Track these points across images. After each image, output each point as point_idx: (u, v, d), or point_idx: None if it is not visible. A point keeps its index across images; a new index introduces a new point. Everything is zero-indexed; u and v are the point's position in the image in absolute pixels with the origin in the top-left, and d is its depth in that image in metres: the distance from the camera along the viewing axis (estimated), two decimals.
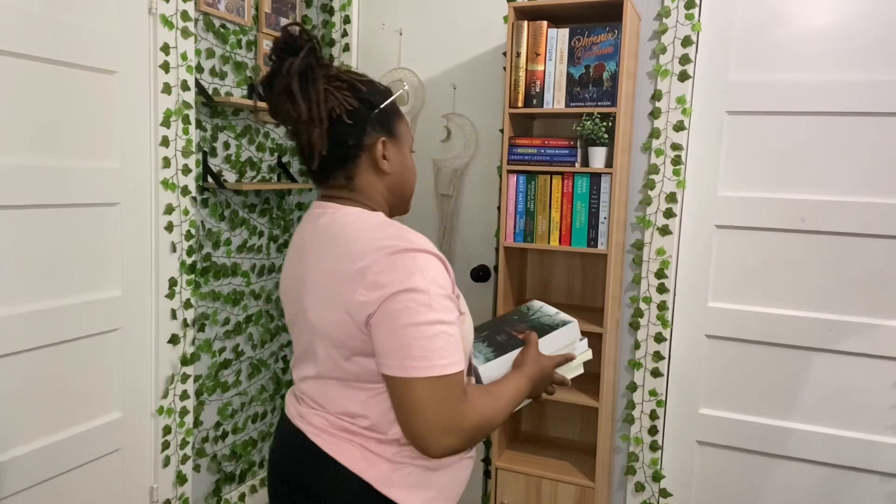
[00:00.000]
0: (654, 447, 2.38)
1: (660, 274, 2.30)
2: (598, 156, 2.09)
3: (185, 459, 2.36)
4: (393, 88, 1.12)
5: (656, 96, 2.26)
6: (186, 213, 2.27)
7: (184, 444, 2.35)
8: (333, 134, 1.09)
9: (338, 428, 1.10)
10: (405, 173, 1.19)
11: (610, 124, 2.08)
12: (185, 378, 2.33)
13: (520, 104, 2.14)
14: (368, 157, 1.13)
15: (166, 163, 2.18)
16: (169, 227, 2.21)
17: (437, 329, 0.98)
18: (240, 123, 2.50)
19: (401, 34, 2.66)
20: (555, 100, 2.11)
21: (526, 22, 2.11)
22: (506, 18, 2.42)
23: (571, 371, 1.36)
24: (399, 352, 0.98)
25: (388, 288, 0.98)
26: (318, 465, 1.09)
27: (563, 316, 1.39)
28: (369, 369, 1.05)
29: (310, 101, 1.05)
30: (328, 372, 1.10)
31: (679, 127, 2.24)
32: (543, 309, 1.45)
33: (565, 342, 1.35)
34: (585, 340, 1.39)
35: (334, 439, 1.09)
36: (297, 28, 1.07)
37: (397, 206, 1.21)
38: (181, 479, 2.35)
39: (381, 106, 1.13)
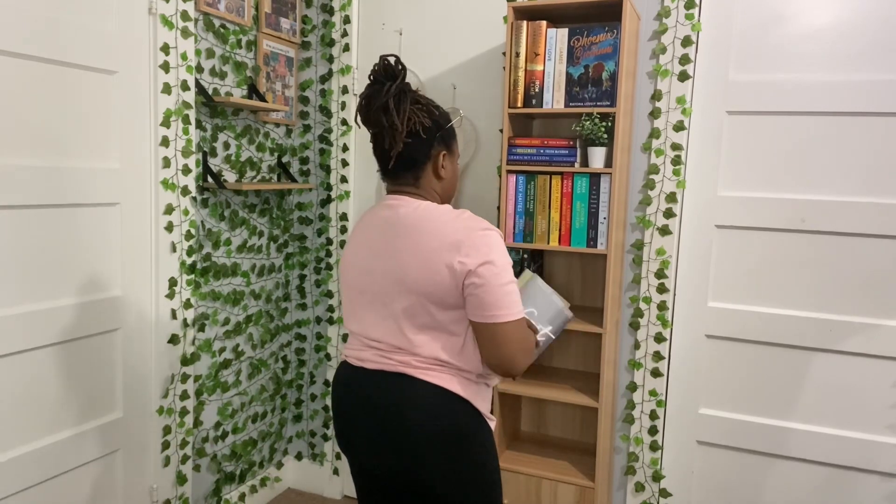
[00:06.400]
0: (654, 447, 2.37)
1: (660, 274, 2.30)
2: (597, 156, 2.09)
3: (185, 459, 2.36)
4: (452, 115, 1.51)
5: (656, 96, 2.26)
6: (186, 213, 2.27)
7: (184, 444, 2.35)
8: (409, 143, 1.40)
9: (427, 364, 1.39)
10: (454, 180, 1.53)
11: (609, 124, 2.08)
12: (185, 378, 2.33)
13: (519, 104, 2.14)
14: (432, 164, 1.45)
15: (166, 163, 2.18)
16: (169, 227, 2.21)
17: (511, 287, 1.35)
18: (240, 123, 2.50)
19: (401, 34, 2.66)
20: (554, 100, 2.11)
21: (525, 22, 2.11)
22: (505, 18, 2.42)
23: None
24: (494, 305, 1.33)
25: (481, 257, 1.32)
26: (412, 386, 1.38)
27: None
28: (455, 319, 1.38)
29: (399, 116, 1.37)
30: (423, 323, 1.38)
31: (679, 127, 2.24)
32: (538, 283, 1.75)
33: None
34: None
35: (423, 370, 1.39)
36: (394, 58, 1.40)
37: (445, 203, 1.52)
38: (181, 479, 2.35)
39: (446, 127, 1.46)
